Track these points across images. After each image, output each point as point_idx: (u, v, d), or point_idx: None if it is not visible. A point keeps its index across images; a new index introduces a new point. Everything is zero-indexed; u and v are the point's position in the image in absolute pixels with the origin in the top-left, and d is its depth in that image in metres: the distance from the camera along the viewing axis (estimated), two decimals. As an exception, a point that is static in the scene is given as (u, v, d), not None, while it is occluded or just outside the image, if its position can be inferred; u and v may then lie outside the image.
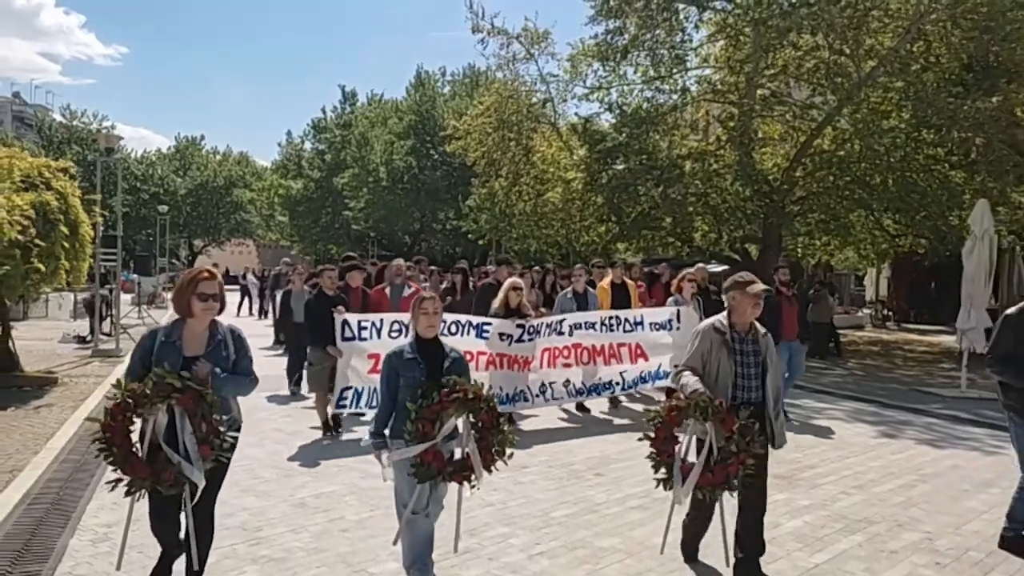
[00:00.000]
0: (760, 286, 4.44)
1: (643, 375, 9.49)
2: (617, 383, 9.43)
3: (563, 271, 14.47)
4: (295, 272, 14.05)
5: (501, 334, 8.56)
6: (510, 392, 8.56)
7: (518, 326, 8.61)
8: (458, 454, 4.22)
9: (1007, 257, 20.09)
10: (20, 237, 9.84)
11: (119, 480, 3.75)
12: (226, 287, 4.57)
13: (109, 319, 18.27)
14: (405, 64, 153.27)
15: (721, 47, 19.26)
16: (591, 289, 10.26)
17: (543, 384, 8.92)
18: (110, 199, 26.26)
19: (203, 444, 3.73)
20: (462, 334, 8.34)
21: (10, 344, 11.40)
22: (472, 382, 4.20)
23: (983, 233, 12.36)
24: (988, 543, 5.27)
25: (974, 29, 15.11)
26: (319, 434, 8.29)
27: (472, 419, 4.16)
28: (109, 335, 17.02)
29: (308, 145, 55.16)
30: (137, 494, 3.76)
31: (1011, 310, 4.98)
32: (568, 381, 9.11)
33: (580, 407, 9.84)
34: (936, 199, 16.36)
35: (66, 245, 10.91)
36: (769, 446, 4.43)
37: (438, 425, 4.07)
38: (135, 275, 34.79)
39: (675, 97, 19.05)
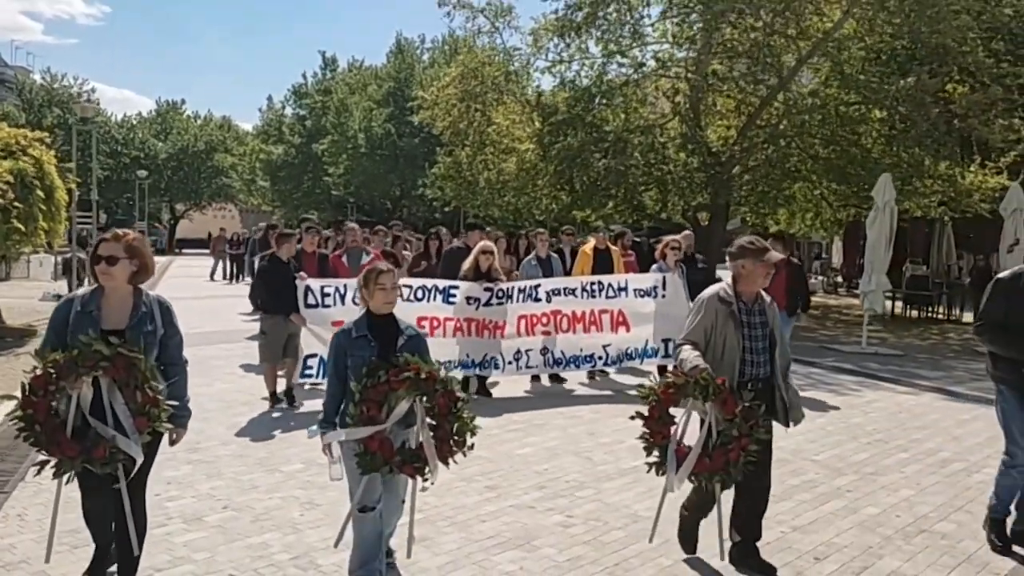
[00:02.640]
0: (777, 254, 4.14)
1: (628, 351, 9.08)
2: (600, 357, 9.02)
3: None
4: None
5: (468, 298, 8.40)
6: (477, 359, 8.40)
7: (486, 289, 8.44)
8: (413, 443, 3.81)
9: (937, 226, 21.36)
10: (0, 200, 10.89)
11: (45, 462, 3.44)
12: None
13: (87, 279, 19.32)
14: (387, 29, 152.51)
15: (674, 23, 20.24)
16: (555, 255, 10.07)
17: (518, 351, 8.64)
18: (90, 163, 27.07)
19: (139, 416, 3.43)
20: (429, 299, 8.24)
21: (-8, 299, 12.51)
22: (433, 363, 3.83)
23: (884, 204, 13.57)
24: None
25: (899, 12, 16.18)
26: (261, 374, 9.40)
27: (427, 403, 3.73)
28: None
29: (289, 111, 55.81)
30: (67, 476, 3.46)
31: (1003, 275, 4.59)
32: (546, 349, 8.81)
33: (555, 377, 9.47)
34: (867, 171, 17.50)
35: (43, 208, 11.98)
36: (778, 424, 4.21)
37: (386, 409, 3.69)
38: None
39: (630, 72, 20.03)
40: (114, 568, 3.77)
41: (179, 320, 3.85)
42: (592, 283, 9.12)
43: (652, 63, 20.33)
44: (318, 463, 5.92)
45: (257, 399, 8.31)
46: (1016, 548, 4.61)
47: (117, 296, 3.60)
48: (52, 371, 3.35)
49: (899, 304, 20.83)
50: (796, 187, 20.00)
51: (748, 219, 23.30)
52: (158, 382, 3.51)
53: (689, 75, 18.90)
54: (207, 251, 28.92)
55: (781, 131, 18.11)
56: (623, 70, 20.16)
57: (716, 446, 3.95)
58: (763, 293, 4.23)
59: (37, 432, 3.36)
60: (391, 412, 3.70)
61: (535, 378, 9.42)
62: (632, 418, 4.10)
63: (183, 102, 61.61)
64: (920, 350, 13.87)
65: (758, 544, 4.23)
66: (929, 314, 20.08)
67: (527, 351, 8.69)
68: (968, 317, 18.63)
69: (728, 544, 4.19)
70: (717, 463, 3.92)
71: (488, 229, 13.11)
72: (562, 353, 8.89)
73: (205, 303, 18.82)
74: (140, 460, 3.45)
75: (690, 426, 4.08)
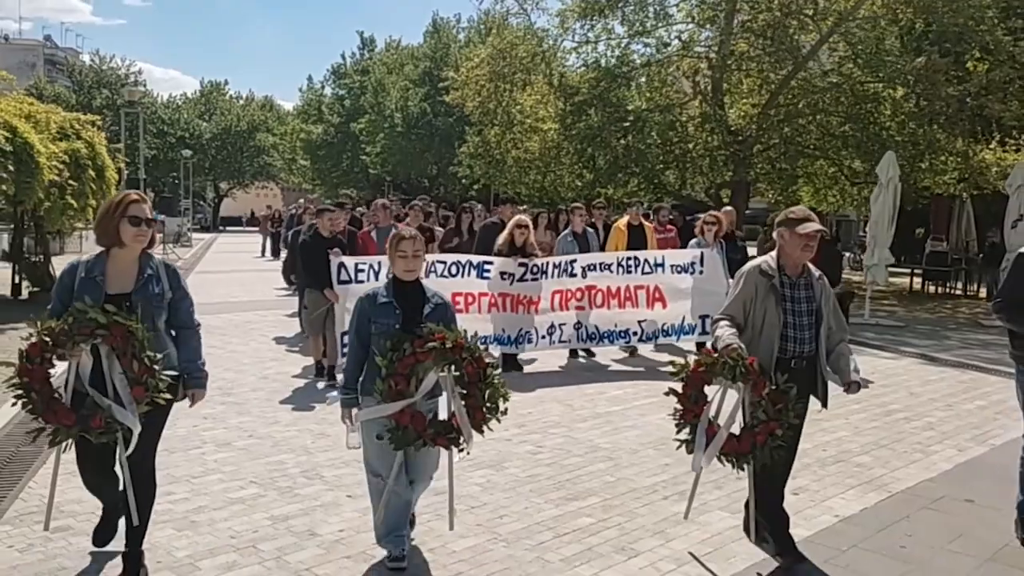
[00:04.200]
0: (814, 225, 3.90)
1: (664, 328, 8.99)
2: (635, 332, 8.95)
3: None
4: (306, 211, 13.42)
5: (503, 273, 8.35)
6: (513, 334, 8.41)
7: (520, 264, 8.40)
8: (443, 414, 3.79)
9: (957, 203, 21.60)
10: (57, 178, 11.97)
11: (41, 430, 3.42)
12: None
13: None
14: (424, 8, 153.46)
15: (695, 4, 20.69)
16: (591, 230, 9.89)
17: (552, 325, 8.63)
18: (137, 143, 28.38)
19: (136, 385, 3.38)
20: (463, 275, 8.18)
21: (50, 268, 13.71)
22: (459, 330, 3.74)
23: (888, 181, 13.98)
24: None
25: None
26: (289, 332, 10.32)
27: (455, 372, 3.70)
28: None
29: (328, 91, 56.96)
30: (64, 444, 3.45)
31: None
32: (580, 324, 8.78)
33: (587, 351, 9.43)
34: (884, 148, 17.85)
35: (93, 187, 13.09)
36: (821, 405, 4.12)
37: (414, 381, 3.65)
38: (161, 215, 37.08)
39: (653, 52, 20.56)
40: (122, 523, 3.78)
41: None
42: (628, 259, 9.04)
43: (676, 43, 20.83)
44: (332, 405, 6.85)
45: (285, 354, 9.28)
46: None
47: (125, 261, 3.56)
48: (48, 339, 3.34)
49: (918, 280, 21.12)
50: (816, 164, 20.41)
51: (770, 196, 23.72)
52: (155, 351, 3.44)
53: (711, 55, 19.41)
54: (246, 228, 30.11)
55: (799, 110, 18.55)
56: (648, 50, 20.72)
57: (745, 428, 3.89)
58: (811, 267, 4.05)
59: (33, 400, 3.35)
60: (420, 384, 3.67)
61: (572, 353, 9.32)
62: (666, 394, 4.03)
63: (226, 83, 63.17)
64: (925, 322, 14.28)
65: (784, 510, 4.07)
66: (947, 290, 20.37)
67: (560, 325, 8.68)
68: (983, 293, 18.94)
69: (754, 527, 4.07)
70: (745, 445, 3.85)
71: (524, 207, 13.06)
72: (596, 328, 8.85)
73: (246, 275, 19.97)
74: (137, 430, 3.42)
75: (725, 405, 4.00)
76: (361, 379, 3.81)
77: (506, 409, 3.80)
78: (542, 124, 21.11)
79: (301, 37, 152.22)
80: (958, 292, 20.07)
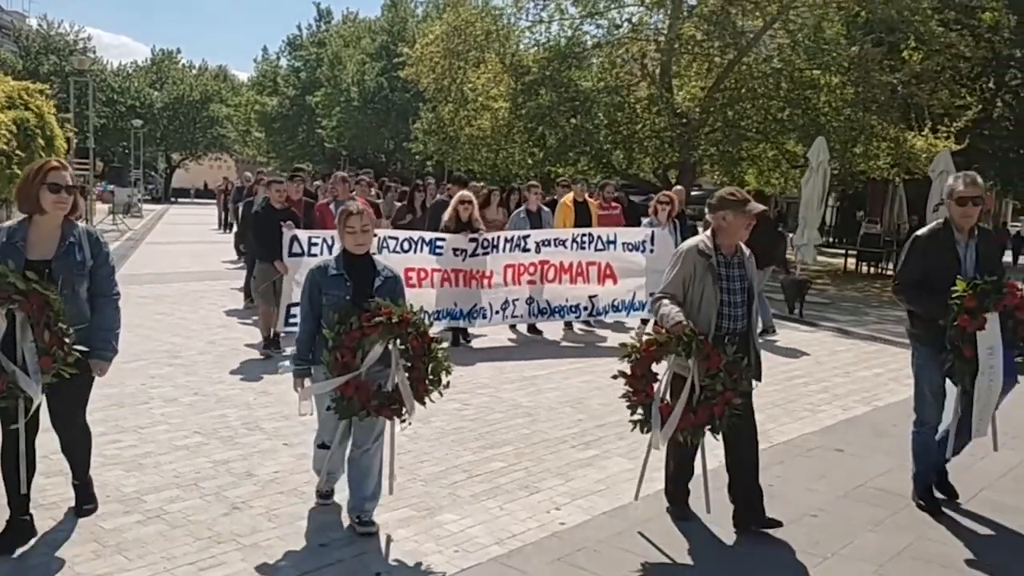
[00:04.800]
0: (758, 206, 4.11)
1: (615, 303, 9.27)
2: (585, 307, 9.21)
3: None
4: (259, 183, 13.23)
5: (455, 249, 8.53)
6: (466, 308, 8.62)
7: (471, 240, 8.58)
8: (389, 385, 3.89)
9: (890, 187, 22.55)
10: (4, 147, 12.09)
11: None
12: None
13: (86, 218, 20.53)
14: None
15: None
16: (546, 209, 10.05)
17: (505, 301, 8.82)
18: (86, 111, 28.05)
19: (43, 355, 3.40)
20: (415, 250, 8.36)
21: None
22: (407, 305, 3.89)
23: (818, 165, 14.67)
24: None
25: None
26: (239, 304, 10.64)
27: (400, 345, 3.84)
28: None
29: (284, 62, 56.44)
30: None
31: (921, 232, 4.54)
32: (532, 299, 9.00)
33: (532, 328, 9.62)
34: (820, 132, 18.59)
35: (42, 156, 13.19)
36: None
37: (360, 354, 3.77)
38: (111, 186, 36.68)
39: (604, 33, 21.03)
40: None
41: (114, 254, 3.97)
42: (582, 235, 9.28)
43: (627, 25, 21.29)
44: (275, 367, 7.27)
45: (235, 324, 9.62)
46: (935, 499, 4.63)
47: (47, 227, 3.60)
48: None
49: (853, 261, 22.09)
50: (759, 147, 21.13)
51: (715, 178, 24.45)
52: (68, 324, 3.47)
53: (660, 38, 19.94)
54: (196, 200, 29.95)
55: (742, 94, 19.20)
56: (599, 31, 21.18)
57: (700, 401, 3.96)
58: (742, 246, 4.23)
59: None
60: (365, 357, 3.77)
61: (512, 327, 9.55)
62: (615, 377, 4.12)
63: (178, 51, 62.17)
64: (851, 300, 15.08)
65: (763, 503, 4.24)
66: (879, 270, 21.35)
67: (514, 300, 8.87)
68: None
69: (711, 502, 4.27)
70: (701, 418, 3.94)
71: (481, 184, 13.33)
72: (547, 303, 9.08)
73: (198, 247, 20.10)
74: (38, 400, 3.47)
75: (670, 381, 4.12)
76: (314, 349, 3.92)
77: (448, 383, 3.98)
78: (493, 102, 21.46)
79: (256, 7, 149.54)
80: (889, 272, 21.05)
